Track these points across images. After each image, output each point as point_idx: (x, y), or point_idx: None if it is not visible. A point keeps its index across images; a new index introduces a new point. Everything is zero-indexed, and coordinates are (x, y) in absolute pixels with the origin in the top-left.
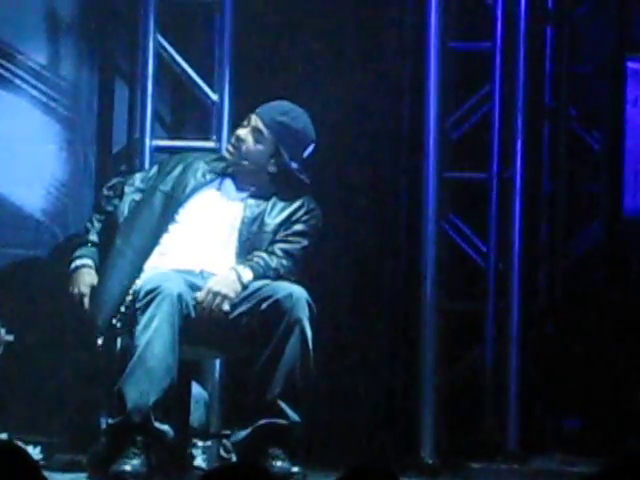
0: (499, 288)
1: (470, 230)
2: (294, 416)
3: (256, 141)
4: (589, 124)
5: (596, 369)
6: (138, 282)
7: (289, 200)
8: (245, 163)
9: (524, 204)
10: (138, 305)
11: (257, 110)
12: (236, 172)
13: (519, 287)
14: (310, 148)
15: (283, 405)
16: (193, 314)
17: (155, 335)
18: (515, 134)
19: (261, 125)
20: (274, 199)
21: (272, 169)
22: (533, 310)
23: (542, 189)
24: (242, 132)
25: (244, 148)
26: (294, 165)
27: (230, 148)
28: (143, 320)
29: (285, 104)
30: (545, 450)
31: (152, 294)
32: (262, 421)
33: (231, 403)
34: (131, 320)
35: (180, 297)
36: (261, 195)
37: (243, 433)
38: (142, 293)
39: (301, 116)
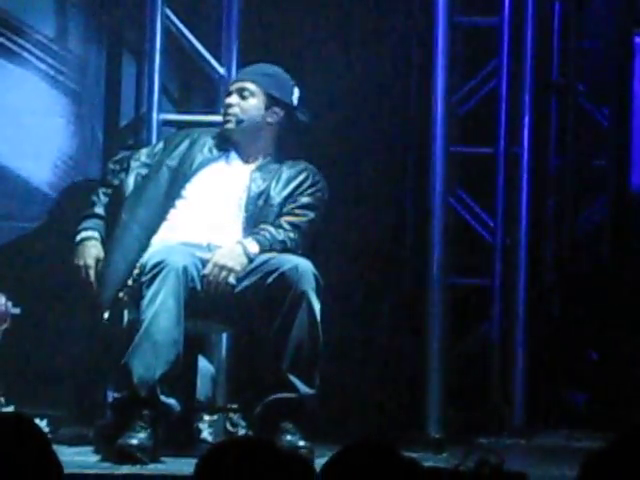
0: (506, 263)
1: (477, 205)
2: (305, 389)
3: (246, 98)
4: (597, 100)
5: (602, 344)
6: (145, 256)
7: (294, 170)
8: (244, 124)
9: (531, 179)
10: (144, 279)
11: (232, 80)
12: (240, 139)
13: (526, 262)
14: (296, 93)
15: (293, 378)
16: (199, 287)
17: (160, 309)
18: (522, 109)
19: (246, 83)
20: (280, 172)
21: (271, 119)
22: (540, 285)
23: (549, 164)
24: (230, 99)
25: (238, 110)
26: (289, 101)
27: (227, 117)
28: (148, 294)
29: (256, 63)
30: (551, 425)
31: (157, 268)
32: (273, 395)
33: (238, 377)
34: (137, 294)
35: (185, 270)
36: (267, 167)
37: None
38: (148, 267)
39: (273, 66)
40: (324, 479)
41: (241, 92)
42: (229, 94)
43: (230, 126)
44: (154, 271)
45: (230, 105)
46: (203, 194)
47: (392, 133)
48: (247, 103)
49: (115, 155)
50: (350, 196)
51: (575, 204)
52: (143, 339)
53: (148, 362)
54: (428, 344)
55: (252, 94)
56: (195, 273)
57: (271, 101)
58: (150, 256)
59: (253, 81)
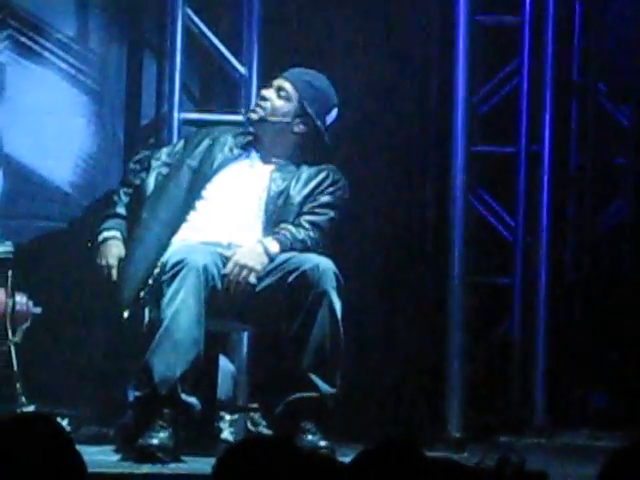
0: (527, 262)
1: (498, 204)
2: (326, 388)
3: (281, 98)
4: (617, 99)
5: (623, 343)
6: (165, 255)
7: (314, 169)
8: (271, 119)
9: (552, 178)
10: (164, 278)
11: (282, 73)
12: (262, 135)
13: (547, 261)
14: (333, 113)
15: (314, 377)
16: (219, 286)
17: (181, 307)
18: (543, 108)
19: (286, 84)
20: (299, 172)
21: (297, 129)
22: (560, 284)
23: (570, 163)
24: (267, 92)
25: (269, 105)
26: (319, 124)
27: (256, 108)
28: (169, 293)
29: (310, 70)
30: (572, 425)
31: (178, 267)
32: (294, 395)
33: (259, 376)
34: (158, 293)
35: (206, 269)
36: (287, 168)
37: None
38: (168, 265)
39: (325, 80)
40: (349, 478)
41: (279, 90)
42: (268, 87)
43: (254, 117)
44: (174, 270)
45: (264, 98)
46: (223, 194)
47: (413, 133)
48: (279, 103)
49: (136, 154)
50: (371, 195)
51: (596, 203)
52: (163, 338)
53: (169, 361)
54: (449, 343)
55: (288, 97)
56: (216, 272)
57: (302, 112)
58: (171, 255)
59: (294, 85)
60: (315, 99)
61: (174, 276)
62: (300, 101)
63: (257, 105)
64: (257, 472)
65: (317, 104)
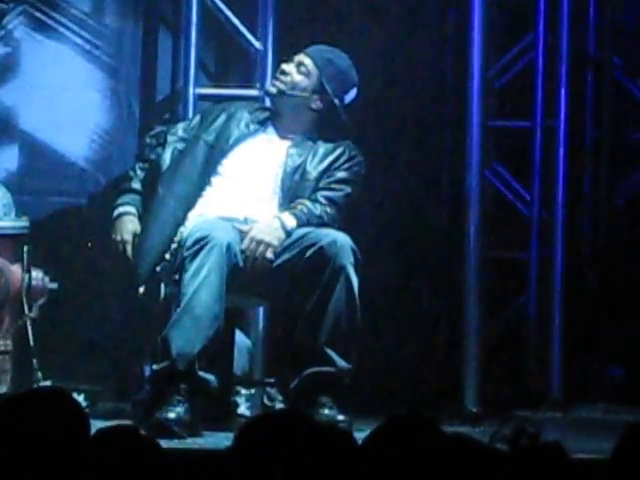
0: (543, 237)
1: (514, 178)
2: (342, 363)
3: (301, 74)
4: (633, 73)
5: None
6: (183, 230)
7: (330, 145)
8: (289, 93)
9: (568, 152)
10: (186, 253)
11: (304, 49)
12: (279, 110)
13: (563, 235)
14: (352, 93)
15: (330, 352)
16: (241, 264)
17: (203, 283)
18: (559, 83)
19: (307, 60)
20: (316, 148)
21: (315, 105)
22: (576, 259)
23: (586, 137)
24: (287, 66)
25: (289, 80)
26: (337, 102)
27: (275, 81)
28: (191, 268)
29: (333, 48)
30: (589, 399)
31: (201, 243)
32: (310, 369)
33: (275, 351)
34: (176, 268)
35: (229, 246)
36: (304, 143)
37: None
38: (190, 241)
39: (347, 59)
40: (366, 452)
41: (299, 65)
42: (289, 61)
43: (272, 90)
44: (197, 246)
45: (283, 72)
46: (240, 169)
47: (428, 107)
48: (298, 78)
49: (151, 129)
50: (386, 171)
51: (612, 177)
52: (184, 313)
53: (188, 336)
54: (465, 318)
55: (307, 73)
56: (237, 249)
57: (320, 89)
58: (192, 230)
59: (314, 61)
60: (334, 77)
61: (197, 252)
62: (319, 78)
63: (276, 79)
64: (277, 446)
65: (336, 82)
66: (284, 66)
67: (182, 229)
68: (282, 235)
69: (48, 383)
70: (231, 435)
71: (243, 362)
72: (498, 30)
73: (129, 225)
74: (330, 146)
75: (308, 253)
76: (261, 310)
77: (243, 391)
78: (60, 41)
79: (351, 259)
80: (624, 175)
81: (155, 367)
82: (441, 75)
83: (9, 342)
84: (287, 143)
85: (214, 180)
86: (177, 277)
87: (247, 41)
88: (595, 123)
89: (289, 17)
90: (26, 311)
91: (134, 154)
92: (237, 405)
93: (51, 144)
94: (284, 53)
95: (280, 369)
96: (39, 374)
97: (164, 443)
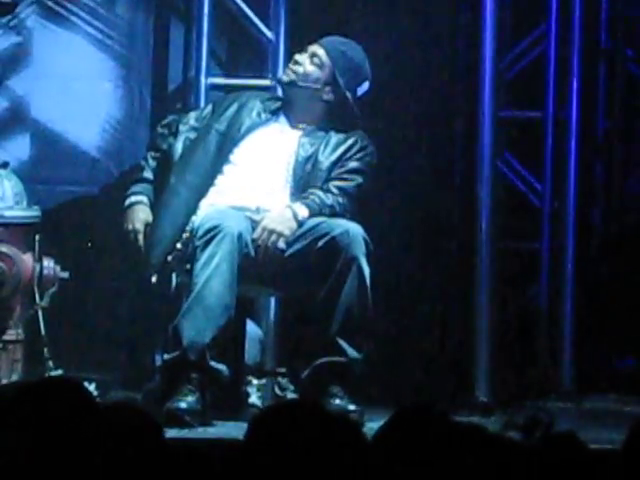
0: (554, 227)
1: (525, 169)
2: (353, 353)
3: (313, 65)
4: None
5: None
6: (194, 219)
7: (342, 135)
8: (301, 84)
9: (579, 143)
10: (198, 243)
11: (319, 40)
12: (291, 100)
13: (574, 226)
14: (365, 86)
15: (342, 342)
16: (253, 253)
17: (215, 273)
18: (571, 74)
19: (320, 51)
20: (328, 137)
21: (327, 97)
22: (588, 249)
23: (598, 129)
24: (300, 56)
25: (301, 70)
26: (349, 95)
27: (287, 70)
28: (203, 258)
29: (347, 39)
30: (600, 389)
31: (213, 232)
32: (322, 359)
33: (287, 341)
34: (187, 257)
35: (240, 236)
36: (315, 133)
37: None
38: (202, 231)
39: (361, 52)
40: (378, 444)
41: (312, 56)
42: (303, 51)
43: (285, 79)
44: (209, 235)
45: (297, 62)
46: (251, 158)
47: (440, 98)
48: (311, 68)
49: (163, 119)
50: (397, 162)
51: (623, 168)
52: (195, 303)
53: (199, 325)
54: (476, 308)
55: (320, 65)
56: (249, 239)
57: (333, 80)
58: (204, 220)
59: (328, 53)
60: (347, 69)
61: (209, 241)
62: (332, 70)
63: (289, 68)
64: (290, 436)
65: (349, 75)
66: (297, 56)
67: (194, 218)
68: (294, 225)
69: (59, 372)
70: (242, 425)
71: (254, 352)
72: (510, 21)
73: (141, 214)
74: (342, 136)
75: (320, 243)
76: (272, 300)
77: (254, 381)
78: (72, 31)
79: (363, 249)
80: (635, 166)
81: (166, 357)
82: (453, 65)
83: (20, 331)
84: (299, 133)
85: (226, 169)
86: (188, 266)
87: (259, 31)
88: (607, 114)
89: (301, 7)
90: (37, 300)
91: (146, 143)
92: (248, 395)
93: (63, 133)
94: (296, 43)
95: (291, 359)
96: (50, 363)
97: (175, 433)
